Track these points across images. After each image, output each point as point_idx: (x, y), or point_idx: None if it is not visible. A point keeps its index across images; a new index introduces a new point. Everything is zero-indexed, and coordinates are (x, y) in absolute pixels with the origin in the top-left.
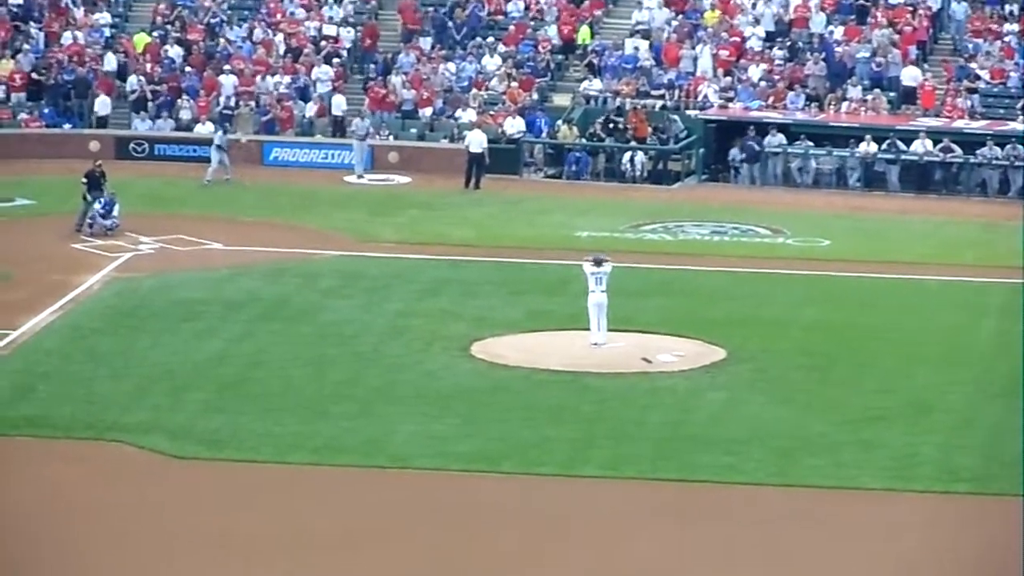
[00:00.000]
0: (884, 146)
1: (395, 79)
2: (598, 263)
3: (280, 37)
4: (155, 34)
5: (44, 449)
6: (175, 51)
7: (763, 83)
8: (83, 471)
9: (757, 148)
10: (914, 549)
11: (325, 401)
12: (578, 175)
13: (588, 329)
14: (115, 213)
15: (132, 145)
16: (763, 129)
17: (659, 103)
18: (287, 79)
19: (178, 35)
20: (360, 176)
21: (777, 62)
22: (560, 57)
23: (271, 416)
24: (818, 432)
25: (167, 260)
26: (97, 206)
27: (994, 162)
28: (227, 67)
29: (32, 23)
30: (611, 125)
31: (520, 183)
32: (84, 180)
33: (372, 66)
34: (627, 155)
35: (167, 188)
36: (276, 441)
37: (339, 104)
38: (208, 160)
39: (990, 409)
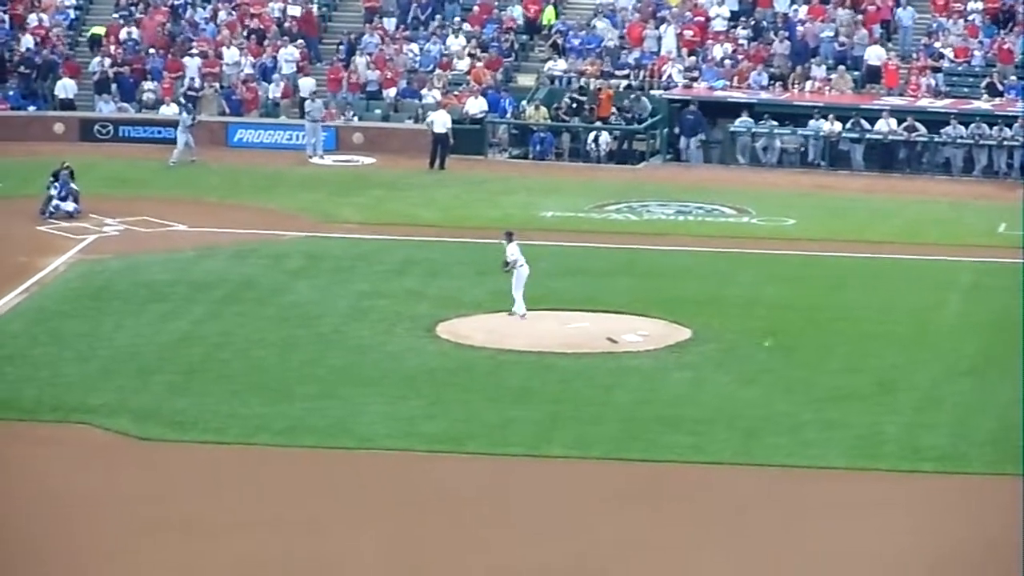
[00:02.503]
0: (848, 125)
1: (359, 59)
2: (512, 237)
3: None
4: (117, 16)
5: (9, 432)
6: (137, 33)
7: (727, 62)
8: (48, 453)
9: (691, 118)
10: (879, 528)
11: (290, 382)
12: (543, 155)
13: (555, 310)
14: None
15: (96, 127)
16: (729, 109)
17: (624, 83)
18: (250, 59)
19: (142, 16)
20: (317, 157)
21: (741, 41)
22: (525, 37)
23: (237, 398)
24: (783, 411)
25: (132, 242)
26: (53, 191)
27: (958, 141)
28: (192, 49)
29: None
30: (575, 105)
31: (485, 163)
32: (51, 179)
33: (337, 47)
34: (592, 135)
35: (132, 170)
36: (242, 423)
37: (306, 85)
38: (173, 142)
39: (956, 388)
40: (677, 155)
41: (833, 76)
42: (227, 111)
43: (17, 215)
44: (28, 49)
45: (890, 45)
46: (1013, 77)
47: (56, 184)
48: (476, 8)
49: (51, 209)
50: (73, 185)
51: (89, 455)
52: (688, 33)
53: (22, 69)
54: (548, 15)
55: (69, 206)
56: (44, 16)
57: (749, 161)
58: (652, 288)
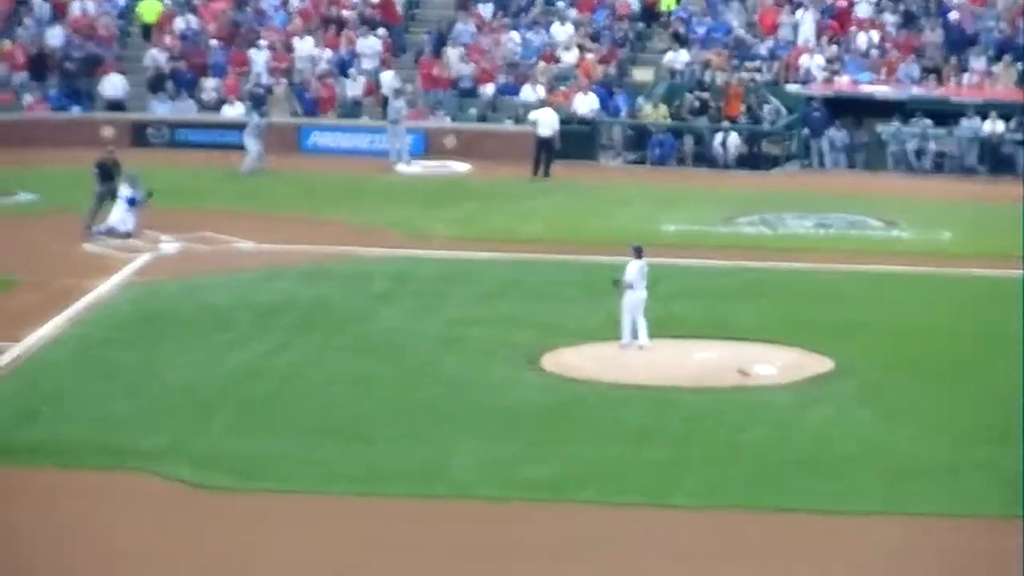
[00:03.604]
0: (1012, 125)
1: (451, 52)
2: (640, 254)
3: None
4: (172, 3)
5: (51, 480)
6: (196, 22)
7: (874, 53)
8: (96, 504)
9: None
10: None
11: (371, 422)
12: (662, 160)
13: (678, 338)
14: (138, 200)
15: (150, 130)
16: (875, 107)
17: (755, 77)
18: (328, 53)
19: (201, 3)
20: (402, 164)
21: (889, 29)
22: (641, 25)
23: (309, 440)
24: (936, 453)
25: (191, 261)
26: (126, 192)
27: None
28: (259, 40)
29: None
30: (700, 103)
31: (596, 170)
32: (95, 170)
33: (424, 37)
34: (719, 137)
35: (191, 179)
36: (315, 469)
37: (389, 81)
38: (237, 147)
39: None
40: (820, 160)
41: (995, 68)
42: (299, 111)
43: (60, 231)
44: (70, 42)
45: None
46: None
47: (98, 174)
48: None
49: (106, 226)
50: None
51: (142, 506)
52: (829, 19)
53: (64, 65)
54: (668, 0)
55: (128, 222)
56: (89, 4)
57: (898, 166)
58: (788, 312)
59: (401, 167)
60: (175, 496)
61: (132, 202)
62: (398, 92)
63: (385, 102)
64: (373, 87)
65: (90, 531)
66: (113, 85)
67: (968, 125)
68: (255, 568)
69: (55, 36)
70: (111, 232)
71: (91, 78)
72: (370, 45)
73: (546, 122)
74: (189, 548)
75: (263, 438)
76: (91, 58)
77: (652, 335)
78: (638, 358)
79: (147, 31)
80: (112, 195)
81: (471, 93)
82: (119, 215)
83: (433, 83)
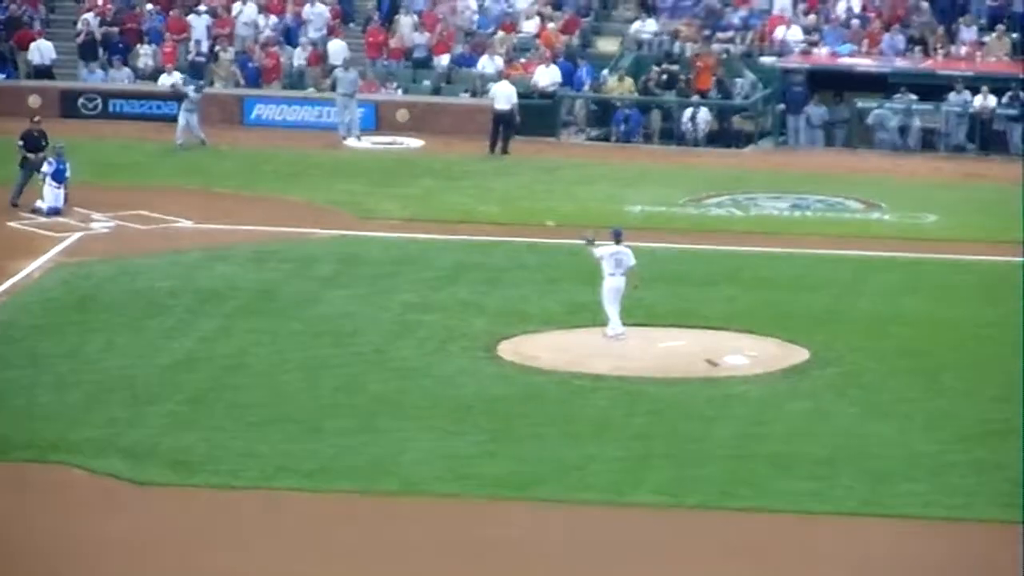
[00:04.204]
0: (1005, 100)
1: (403, 20)
2: (619, 238)
3: None
4: None
5: None
6: None
7: (855, 23)
8: (21, 500)
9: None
10: None
11: (320, 414)
12: (628, 137)
13: (644, 326)
14: (67, 175)
15: (81, 100)
16: (856, 81)
17: (727, 48)
18: (272, 19)
19: None
20: (352, 139)
21: None
22: None
23: (254, 432)
24: (921, 451)
25: (125, 241)
26: (46, 168)
27: None
28: (199, 5)
29: None
30: (668, 76)
31: (557, 147)
32: (20, 142)
33: (376, 4)
34: (688, 112)
35: (125, 153)
36: (260, 462)
37: (337, 51)
38: (175, 119)
39: None
40: (796, 137)
41: (987, 39)
42: (242, 82)
43: None
44: None
45: None
46: None
47: (50, 161)
48: None
49: (38, 204)
50: (58, 148)
51: (71, 503)
52: None
53: None
54: None
55: (59, 198)
56: None
57: (881, 144)
58: (761, 300)
59: (351, 142)
60: (106, 491)
61: (57, 177)
62: (347, 63)
63: (331, 72)
64: (319, 57)
65: (13, 528)
66: (40, 51)
67: (957, 100)
68: (190, 568)
69: None
70: (45, 212)
71: (14, 43)
72: (317, 12)
73: (503, 95)
74: (121, 546)
75: (203, 430)
76: (13, 21)
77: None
78: (600, 347)
79: None
80: (38, 168)
81: (425, 64)
82: (51, 194)
83: (379, 52)
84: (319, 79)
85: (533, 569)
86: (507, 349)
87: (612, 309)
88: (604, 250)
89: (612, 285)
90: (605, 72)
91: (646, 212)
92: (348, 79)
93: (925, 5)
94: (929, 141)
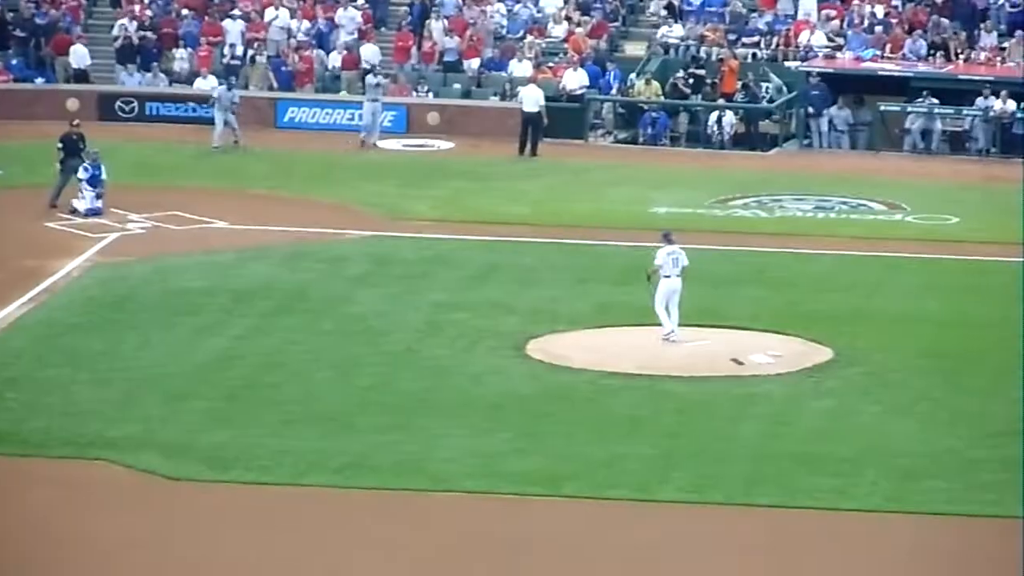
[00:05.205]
0: None
1: (434, 24)
2: (670, 240)
3: None
4: None
5: (13, 470)
6: None
7: (878, 28)
8: (60, 496)
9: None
10: None
11: (351, 411)
12: (655, 139)
13: None
14: (103, 179)
15: (118, 103)
16: (879, 84)
17: (752, 52)
18: (305, 24)
19: None
20: (367, 144)
21: (895, 2)
22: None
23: (287, 429)
24: (946, 448)
25: (161, 242)
26: (82, 175)
27: None
28: (234, 10)
29: None
30: (694, 80)
31: (585, 149)
32: (59, 145)
33: (407, 8)
34: (714, 115)
35: (161, 155)
36: (293, 459)
37: (369, 55)
38: (211, 122)
39: None
40: (820, 140)
41: (1007, 44)
42: (275, 85)
43: (22, 209)
44: (31, 5)
45: None
46: None
47: (86, 167)
48: None
49: (75, 205)
50: (93, 154)
51: (109, 498)
52: None
53: (16, 32)
54: None
55: (95, 202)
56: None
57: (904, 147)
58: (786, 300)
59: (369, 145)
60: (145, 487)
61: (93, 182)
62: (375, 67)
63: (365, 76)
64: (353, 60)
65: (55, 523)
66: (78, 55)
67: (978, 104)
68: (227, 562)
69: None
70: (83, 214)
71: (52, 49)
72: (350, 16)
73: (531, 98)
74: (159, 540)
75: (238, 427)
76: (52, 26)
77: (639, 324)
78: (627, 346)
79: None
80: (76, 171)
81: (455, 68)
82: (88, 199)
83: (410, 56)
84: (354, 82)
85: (561, 565)
86: (536, 348)
87: (673, 311)
88: (661, 252)
89: (670, 287)
90: (632, 76)
91: (671, 213)
92: (372, 83)
93: (946, 11)
94: (950, 144)
